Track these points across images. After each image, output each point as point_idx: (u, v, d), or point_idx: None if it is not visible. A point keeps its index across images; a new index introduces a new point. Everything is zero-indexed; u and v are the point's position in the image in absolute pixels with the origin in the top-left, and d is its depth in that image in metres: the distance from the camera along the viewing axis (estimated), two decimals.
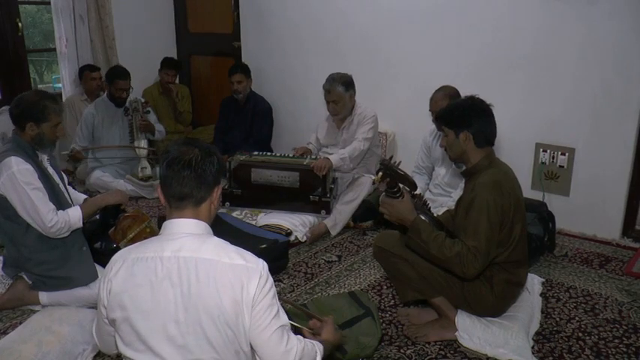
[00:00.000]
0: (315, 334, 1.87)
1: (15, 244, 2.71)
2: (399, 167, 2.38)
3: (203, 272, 1.48)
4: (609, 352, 2.46)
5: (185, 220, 1.57)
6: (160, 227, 1.61)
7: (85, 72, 4.93)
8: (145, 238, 2.73)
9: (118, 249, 2.58)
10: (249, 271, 1.50)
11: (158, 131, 4.71)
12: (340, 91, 3.78)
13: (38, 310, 2.73)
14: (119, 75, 4.44)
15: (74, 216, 2.69)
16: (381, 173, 2.30)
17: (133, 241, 2.74)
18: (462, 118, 2.37)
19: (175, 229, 1.56)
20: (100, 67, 5.06)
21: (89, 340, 2.41)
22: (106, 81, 4.55)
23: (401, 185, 2.33)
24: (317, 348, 1.71)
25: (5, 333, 2.57)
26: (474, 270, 2.24)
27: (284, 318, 1.58)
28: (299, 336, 1.67)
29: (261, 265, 1.53)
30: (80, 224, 2.74)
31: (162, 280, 1.48)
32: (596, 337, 2.58)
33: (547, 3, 3.55)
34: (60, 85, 5.20)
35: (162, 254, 1.51)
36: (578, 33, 3.48)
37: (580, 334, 2.60)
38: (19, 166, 2.55)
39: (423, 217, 2.36)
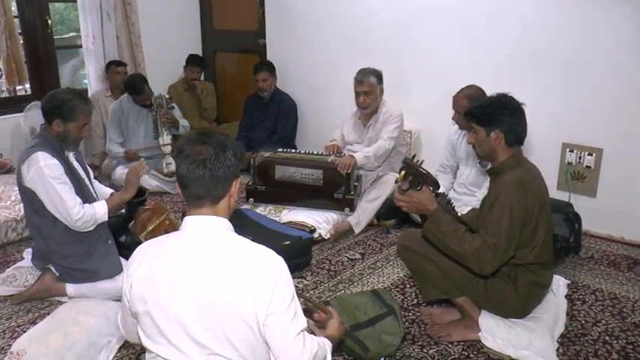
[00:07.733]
0: (320, 328, 1.88)
1: (43, 237, 2.77)
2: (422, 166, 2.37)
3: (221, 269, 1.48)
4: (637, 357, 2.42)
5: (204, 217, 1.57)
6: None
7: (111, 66, 4.99)
8: (165, 230, 2.78)
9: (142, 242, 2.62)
10: (268, 270, 1.50)
11: (183, 126, 4.76)
12: (373, 82, 3.76)
13: (65, 302, 2.78)
14: (136, 90, 4.48)
15: (100, 210, 2.74)
16: (403, 172, 2.29)
17: (152, 233, 2.77)
18: (495, 115, 2.32)
19: (194, 225, 1.57)
20: (127, 63, 5.13)
21: (114, 332, 2.45)
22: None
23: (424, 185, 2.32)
24: (327, 347, 1.71)
25: (34, 323, 2.63)
26: (490, 267, 2.22)
27: (302, 319, 1.58)
28: (313, 336, 1.67)
29: (279, 264, 1.53)
30: (106, 218, 2.78)
31: (180, 277, 1.49)
32: (624, 341, 2.53)
33: (574, 1, 3.49)
34: (86, 81, 5.28)
35: (180, 251, 1.52)
36: (605, 31, 3.42)
37: (607, 338, 2.55)
38: (46, 161, 2.59)
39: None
